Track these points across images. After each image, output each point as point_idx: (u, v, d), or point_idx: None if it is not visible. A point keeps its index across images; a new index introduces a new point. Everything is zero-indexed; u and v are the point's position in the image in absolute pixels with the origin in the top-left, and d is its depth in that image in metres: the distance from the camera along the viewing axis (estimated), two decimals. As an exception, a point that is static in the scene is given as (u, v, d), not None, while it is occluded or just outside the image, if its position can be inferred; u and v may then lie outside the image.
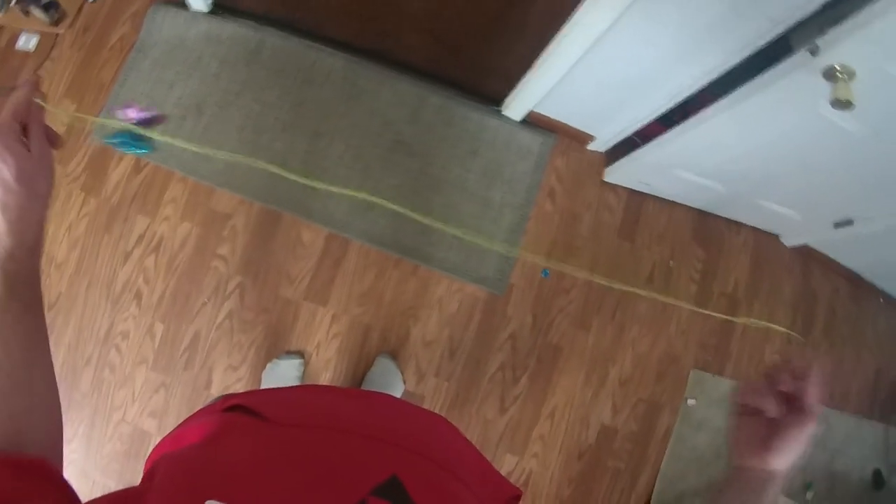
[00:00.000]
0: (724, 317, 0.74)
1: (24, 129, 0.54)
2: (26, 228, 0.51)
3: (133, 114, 0.73)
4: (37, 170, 0.52)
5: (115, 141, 0.55)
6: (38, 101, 0.56)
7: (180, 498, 0.38)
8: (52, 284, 1.77)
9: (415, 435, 0.56)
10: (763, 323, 0.73)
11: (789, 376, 0.54)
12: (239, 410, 0.55)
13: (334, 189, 0.67)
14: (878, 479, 2.40)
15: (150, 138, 0.59)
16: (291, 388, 0.70)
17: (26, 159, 0.51)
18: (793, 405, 0.54)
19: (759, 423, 0.56)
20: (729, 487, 0.58)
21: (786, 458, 0.55)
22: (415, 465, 0.48)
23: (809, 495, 2.23)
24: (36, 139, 0.54)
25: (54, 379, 0.52)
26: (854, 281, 2.21)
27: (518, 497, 0.62)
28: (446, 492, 0.47)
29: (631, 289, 0.74)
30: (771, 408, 0.55)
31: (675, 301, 0.80)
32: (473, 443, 0.69)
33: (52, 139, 0.56)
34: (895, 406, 2.41)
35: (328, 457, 0.45)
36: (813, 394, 0.53)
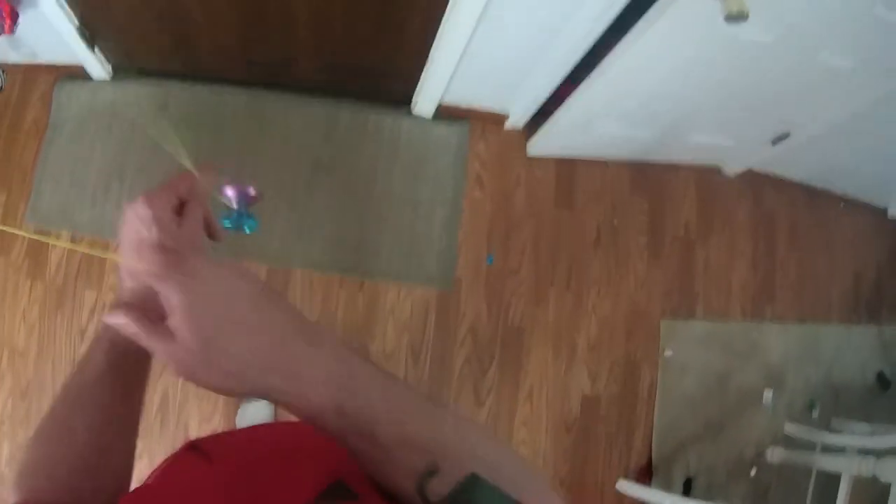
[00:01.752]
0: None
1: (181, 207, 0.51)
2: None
3: (231, 193, 0.67)
4: (176, 245, 0.48)
5: (228, 226, 0.53)
6: (205, 182, 0.53)
7: None
8: (20, 373, 1.79)
9: None
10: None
11: None
12: (192, 450, 0.55)
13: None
14: (882, 380, 2.39)
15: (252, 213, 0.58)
16: (246, 428, 0.71)
17: (172, 235, 0.49)
18: None
19: None
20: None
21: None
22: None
23: (815, 413, 2.22)
24: (190, 219, 0.51)
25: (130, 468, 0.51)
26: (808, 191, 2.20)
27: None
28: None
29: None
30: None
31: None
32: None
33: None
34: (882, 304, 2.40)
35: (268, 478, 0.45)
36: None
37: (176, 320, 0.36)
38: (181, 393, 1.72)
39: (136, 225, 0.48)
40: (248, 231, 0.61)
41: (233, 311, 0.37)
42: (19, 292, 1.80)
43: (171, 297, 0.36)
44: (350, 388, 0.37)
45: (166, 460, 0.58)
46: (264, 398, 0.39)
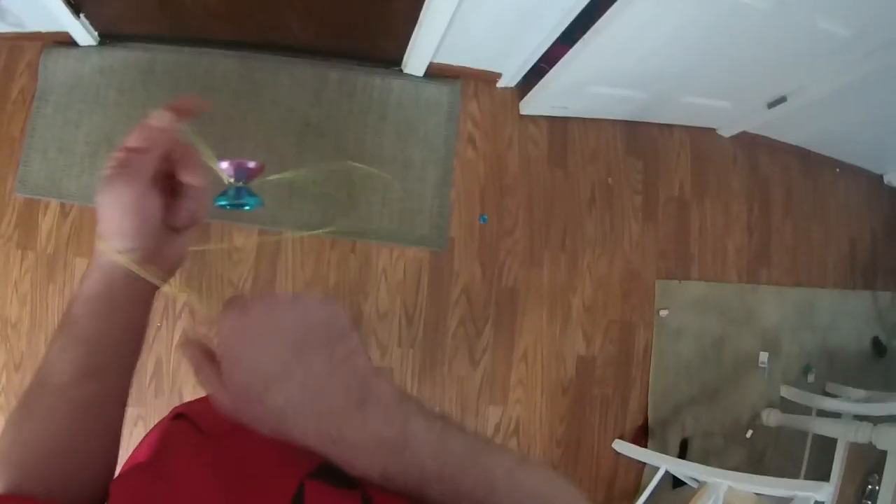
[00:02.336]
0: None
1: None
2: (98, 265, 0.46)
3: (225, 166, 0.61)
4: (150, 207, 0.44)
5: (224, 203, 0.48)
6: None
7: None
8: (13, 346, 1.78)
9: None
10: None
11: None
12: (182, 419, 0.54)
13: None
14: (878, 346, 2.40)
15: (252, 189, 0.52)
16: None
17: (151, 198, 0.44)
18: None
19: None
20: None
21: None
22: None
23: (810, 377, 2.23)
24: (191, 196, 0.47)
25: (113, 435, 0.47)
26: (803, 156, 2.18)
27: None
28: None
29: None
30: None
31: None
32: (453, 403, 0.65)
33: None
34: (877, 270, 2.40)
35: (261, 452, 0.44)
36: None
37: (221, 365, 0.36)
38: (174, 360, 1.72)
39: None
40: (248, 209, 0.56)
41: (273, 361, 0.35)
42: (10, 263, 1.79)
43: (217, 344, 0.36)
44: (399, 452, 0.35)
45: (154, 431, 0.57)
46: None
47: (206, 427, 0.50)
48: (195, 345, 0.39)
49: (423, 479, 0.36)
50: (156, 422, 0.53)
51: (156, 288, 0.47)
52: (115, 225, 0.45)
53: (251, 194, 0.57)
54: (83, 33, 1.81)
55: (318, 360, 0.36)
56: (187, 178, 0.47)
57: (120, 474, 0.48)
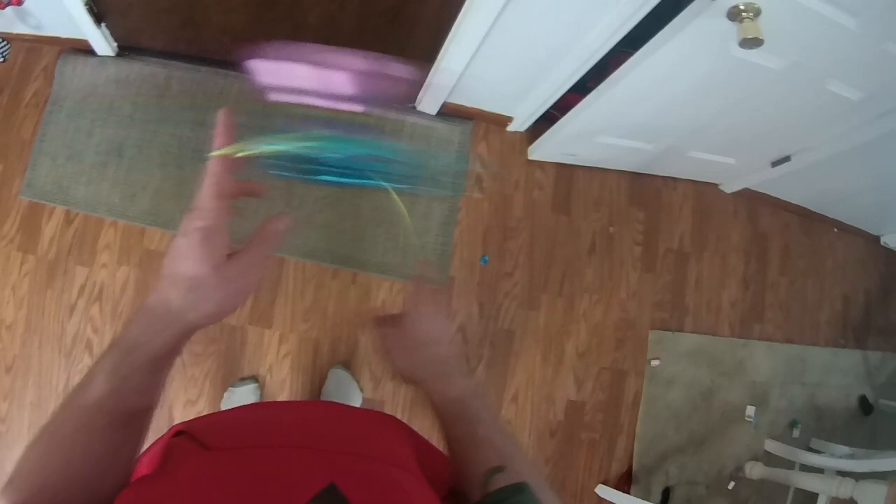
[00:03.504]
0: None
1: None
2: (160, 331, 0.45)
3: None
4: (216, 282, 0.45)
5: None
6: (282, 225, 0.49)
7: None
8: (6, 347, 1.77)
9: (354, 436, 0.56)
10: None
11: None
12: (183, 436, 0.55)
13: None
14: (865, 405, 2.41)
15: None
16: (230, 410, 0.71)
17: (215, 262, 0.45)
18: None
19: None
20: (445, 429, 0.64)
21: (405, 352, 0.70)
22: (354, 468, 0.48)
23: (796, 432, 2.24)
24: (247, 256, 0.48)
25: (129, 464, 0.48)
26: (803, 215, 2.21)
27: None
28: (386, 484, 0.47)
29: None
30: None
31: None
32: (441, 440, 0.68)
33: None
34: (868, 330, 2.42)
35: (263, 474, 0.45)
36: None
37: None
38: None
39: (180, 240, 0.46)
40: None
41: (440, 332, 0.70)
42: (10, 265, 1.79)
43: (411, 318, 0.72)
44: (474, 393, 0.63)
45: (156, 446, 0.57)
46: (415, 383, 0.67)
47: (210, 443, 0.51)
48: (380, 319, 0.71)
49: (479, 419, 0.59)
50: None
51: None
52: (196, 283, 0.45)
53: None
54: (102, 43, 1.83)
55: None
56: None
57: (127, 488, 0.48)
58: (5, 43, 1.87)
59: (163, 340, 0.45)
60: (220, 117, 0.48)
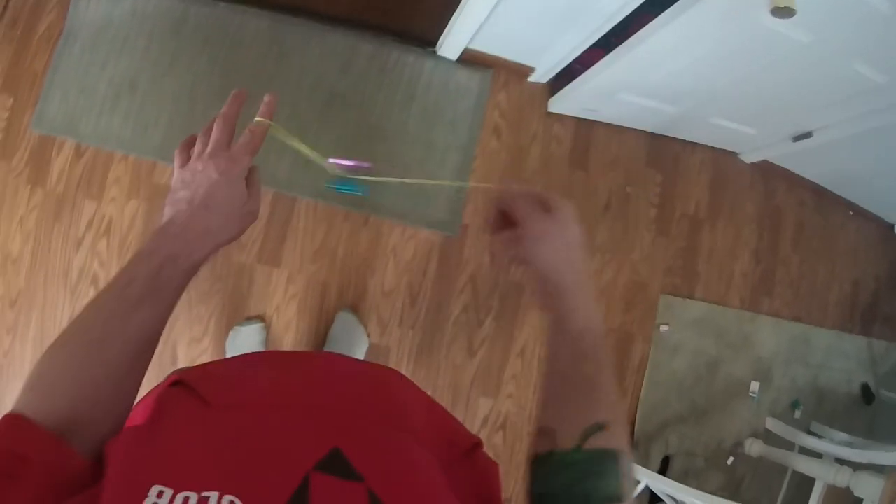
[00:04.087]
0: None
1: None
2: (201, 248, 0.53)
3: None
4: (242, 208, 0.55)
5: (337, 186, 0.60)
6: (263, 121, 0.57)
7: (126, 484, 0.37)
8: (11, 281, 1.76)
9: (358, 397, 0.54)
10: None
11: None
12: (181, 386, 0.53)
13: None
14: (866, 394, 2.40)
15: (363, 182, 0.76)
16: (232, 359, 0.69)
17: (243, 199, 0.55)
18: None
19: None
20: (551, 351, 0.57)
21: (542, 264, 0.56)
22: (358, 432, 0.47)
23: (797, 413, 2.23)
24: (255, 185, 0.57)
25: (138, 388, 0.51)
26: (819, 193, 2.19)
27: (478, 445, 0.60)
28: (394, 452, 0.46)
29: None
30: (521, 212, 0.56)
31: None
32: (445, 389, 0.67)
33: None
34: (875, 317, 2.40)
35: (266, 436, 0.44)
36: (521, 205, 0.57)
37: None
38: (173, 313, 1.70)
39: (215, 178, 0.53)
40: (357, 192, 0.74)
41: (579, 237, 0.58)
42: (18, 198, 1.77)
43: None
44: (602, 331, 0.56)
45: (152, 395, 0.55)
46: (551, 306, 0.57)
47: (211, 398, 0.49)
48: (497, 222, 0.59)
49: (603, 365, 0.53)
50: (147, 372, 0.54)
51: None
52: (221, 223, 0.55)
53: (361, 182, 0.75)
54: (119, -25, 1.80)
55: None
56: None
57: (121, 434, 0.47)
58: (20, -30, 1.84)
59: (201, 255, 0.52)
60: (269, 97, 0.59)
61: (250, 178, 0.56)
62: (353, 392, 0.56)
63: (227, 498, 0.35)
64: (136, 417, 0.50)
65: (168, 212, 0.53)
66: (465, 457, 0.56)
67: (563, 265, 0.55)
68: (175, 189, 0.54)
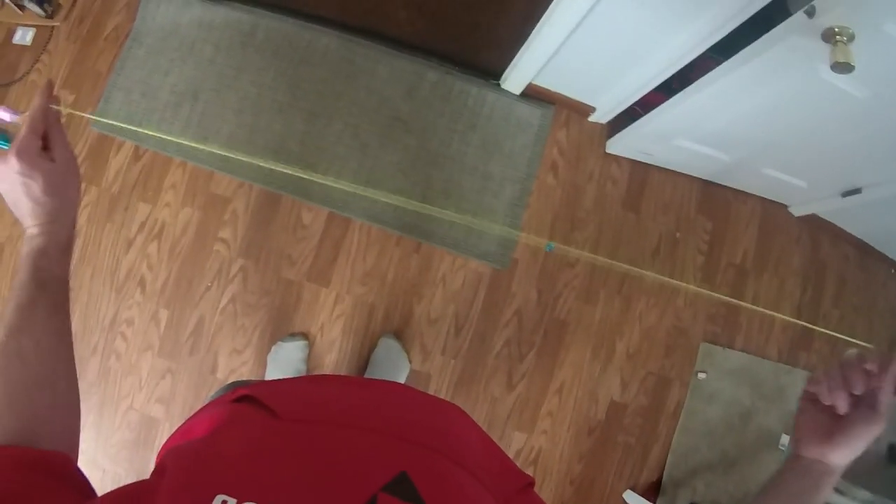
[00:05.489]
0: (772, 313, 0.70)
1: (45, 139, 0.57)
2: (59, 229, 0.56)
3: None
4: (63, 177, 0.56)
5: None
6: (54, 107, 0.58)
7: (190, 493, 0.37)
8: (56, 275, 1.77)
9: (424, 427, 0.55)
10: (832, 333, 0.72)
11: (863, 374, 0.55)
12: (247, 401, 0.54)
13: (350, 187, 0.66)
14: (892, 454, 2.37)
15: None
16: (299, 379, 0.69)
17: (52, 172, 0.55)
18: (862, 401, 0.55)
19: (825, 414, 0.57)
20: (786, 476, 0.59)
21: (847, 454, 0.56)
22: (423, 460, 0.47)
23: (824, 469, 2.20)
24: (58, 147, 0.57)
25: (76, 378, 0.55)
26: (863, 250, 2.17)
27: (531, 484, 0.60)
28: (455, 485, 0.46)
29: (631, 268, 0.72)
30: (841, 404, 0.55)
31: (679, 283, 0.78)
32: (482, 421, 0.68)
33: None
34: (909, 377, 2.37)
35: (336, 453, 0.44)
36: (887, 392, 0.54)
37: None
38: (217, 321, 1.71)
39: (17, 179, 0.54)
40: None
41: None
42: (71, 193, 1.79)
43: None
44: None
45: (213, 409, 0.56)
46: None
47: (284, 413, 0.50)
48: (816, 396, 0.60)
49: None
50: (185, 380, 0.57)
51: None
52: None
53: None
54: (191, -17, 1.82)
55: None
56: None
57: (179, 446, 0.47)
58: (96, -28, 1.88)
59: (65, 232, 0.57)
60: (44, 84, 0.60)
61: (51, 146, 0.57)
62: (421, 422, 0.56)
63: None
64: (200, 429, 0.51)
65: (19, 219, 0.58)
66: (519, 495, 0.57)
67: (843, 463, 0.57)
68: (4, 199, 0.57)
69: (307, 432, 0.47)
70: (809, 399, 0.60)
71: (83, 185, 1.79)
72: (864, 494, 2.06)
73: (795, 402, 2.15)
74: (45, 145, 0.56)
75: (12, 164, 0.54)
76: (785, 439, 2.12)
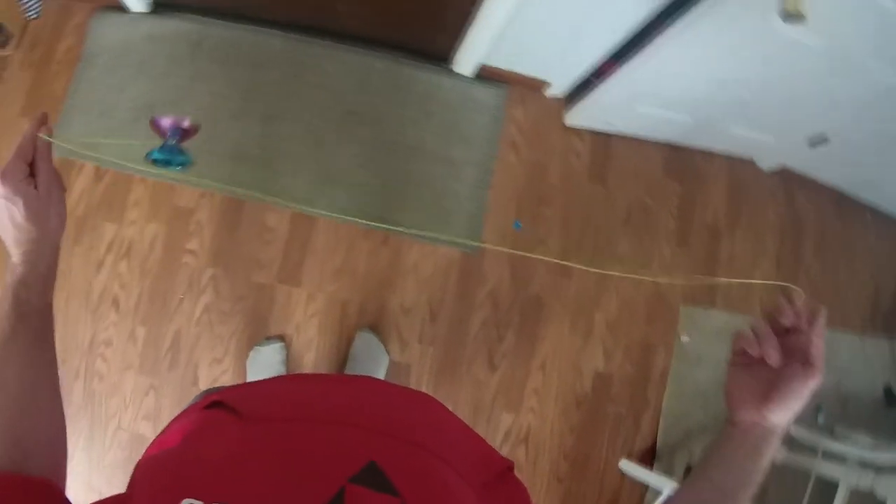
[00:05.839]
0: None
1: (31, 167, 0.57)
2: (38, 259, 0.56)
3: (166, 123, 0.61)
4: (46, 206, 0.56)
5: (156, 157, 0.53)
6: (43, 136, 0.58)
7: (159, 499, 0.38)
8: (33, 304, 1.77)
9: (393, 417, 0.55)
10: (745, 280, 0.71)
11: (794, 318, 0.55)
12: (217, 407, 0.54)
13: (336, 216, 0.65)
14: (889, 396, 2.37)
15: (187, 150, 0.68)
16: (269, 380, 0.70)
17: (35, 198, 0.55)
18: (795, 355, 0.54)
19: (758, 374, 0.56)
20: (725, 445, 0.57)
21: (786, 412, 0.54)
22: (394, 450, 0.47)
23: (820, 418, 2.20)
24: (43, 176, 0.57)
25: (61, 405, 0.55)
26: (839, 198, 2.17)
27: (511, 468, 0.60)
28: (427, 473, 0.46)
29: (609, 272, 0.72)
30: (773, 353, 0.54)
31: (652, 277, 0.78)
32: (467, 405, 0.68)
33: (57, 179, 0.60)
34: (898, 320, 2.37)
35: (304, 448, 0.45)
36: (818, 344, 0.54)
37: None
38: (194, 333, 1.71)
39: (2, 203, 0.55)
40: (177, 169, 0.68)
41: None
42: (39, 220, 1.79)
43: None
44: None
45: (184, 418, 0.57)
46: None
47: (246, 412, 0.50)
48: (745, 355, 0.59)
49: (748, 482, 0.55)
50: (168, 395, 0.57)
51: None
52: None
53: (182, 153, 0.68)
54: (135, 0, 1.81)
55: None
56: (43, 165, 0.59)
57: (148, 457, 0.47)
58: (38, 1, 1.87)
59: (45, 263, 0.57)
60: (39, 115, 0.61)
61: (36, 173, 0.57)
62: (389, 413, 0.56)
63: None
64: (170, 439, 0.51)
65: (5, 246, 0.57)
66: (498, 480, 0.56)
67: (784, 423, 0.56)
68: None
69: (276, 431, 0.48)
70: (737, 362, 0.59)
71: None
72: (865, 439, 2.06)
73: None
74: (32, 172, 0.57)
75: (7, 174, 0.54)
76: (777, 394, 2.12)
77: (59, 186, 0.59)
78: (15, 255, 0.55)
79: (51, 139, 0.59)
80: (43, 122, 0.59)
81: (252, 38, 1.81)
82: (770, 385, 0.54)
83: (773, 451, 0.55)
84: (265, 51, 1.80)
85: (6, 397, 0.50)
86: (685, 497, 0.58)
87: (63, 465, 0.53)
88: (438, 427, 0.60)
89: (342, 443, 0.46)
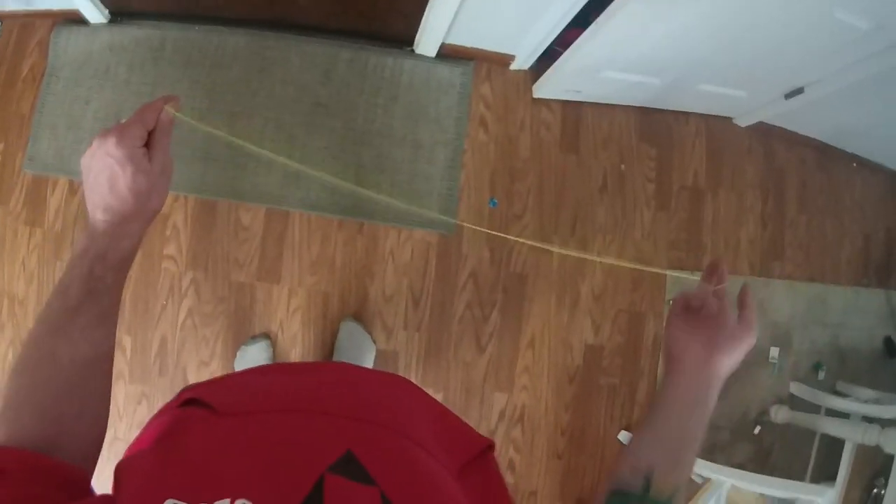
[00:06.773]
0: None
1: (149, 138, 0.53)
2: (124, 235, 0.52)
3: None
4: (152, 183, 0.52)
5: None
6: (170, 110, 0.54)
7: (141, 501, 0.37)
8: (20, 323, 1.77)
9: (366, 404, 0.55)
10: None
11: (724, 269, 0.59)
12: (192, 404, 0.53)
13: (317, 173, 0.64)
14: (890, 346, 2.35)
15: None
16: (239, 372, 0.69)
17: (146, 171, 0.51)
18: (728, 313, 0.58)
19: (700, 323, 0.58)
20: (668, 395, 0.58)
21: (727, 357, 0.56)
22: (368, 437, 0.47)
23: (821, 375, 2.19)
24: (159, 150, 0.53)
25: (109, 395, 0.53)
26: (820, 150, 2.14)
27: (491, 447, 0.60)
28: (403, 459, 0.46)
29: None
30: (712, 300, 0.58)
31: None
32: (458, 388, 0.68)
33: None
34: (891, 269, 2.35)
35: (280, 440, 0.44)
36: (751, 307, 0.58)
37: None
38: (179, 338, 1.71)
39: (108, 162, 0.50)
40: None
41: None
42: (18, 240, 1.79)
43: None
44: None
45: (159, 419, 0.55)
46: None
47: (221, 407, 0.50)
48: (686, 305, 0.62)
49: (691, 440, 0.57)
50: (160, 401, 0.55)
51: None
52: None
53: None
54: (94, 11, 1.80)
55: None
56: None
57: (125, 459, 0.47)
58: (-3, 18, 1.86)
59: (128, 245, 0.53)
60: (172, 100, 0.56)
61: (153, 146, 0.53)
62: (363, 399, 0.56)
63: (239, 502, 0.34)
64: (145, 441, 0.50)
65: (89, 208, 0.53)
66: (475, 461, 0.56)
67: (725, 371, 0.57)
68: (84, 176, 0.53)
69: (251, 423, 0.47)
70: (677, 312, 0.62)
71: (28, 230, 1.79)
72: (868, 393, 2.05)
73: (777, 313, 2.13)
74: (148, 143, 0.53)
75: (109, 145, 0.50)
76: (774, 352, 2.11)
77: (171, 168, 0.55)
78: (100, 222, 0.51)
79: (178, 114, 0.55)
80: (175, 102, 0.55)
81: (213, 38, 1.80)
82: (713, 330, 0.57)
83: (713, 403, 0.57)
84: (227, 50, 1.79)
85: (56, 370, 0.47)
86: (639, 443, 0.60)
87: (96, 457, 0.51)
88: (413, 410, 0.59)
89: (320, 431, 0.46)
